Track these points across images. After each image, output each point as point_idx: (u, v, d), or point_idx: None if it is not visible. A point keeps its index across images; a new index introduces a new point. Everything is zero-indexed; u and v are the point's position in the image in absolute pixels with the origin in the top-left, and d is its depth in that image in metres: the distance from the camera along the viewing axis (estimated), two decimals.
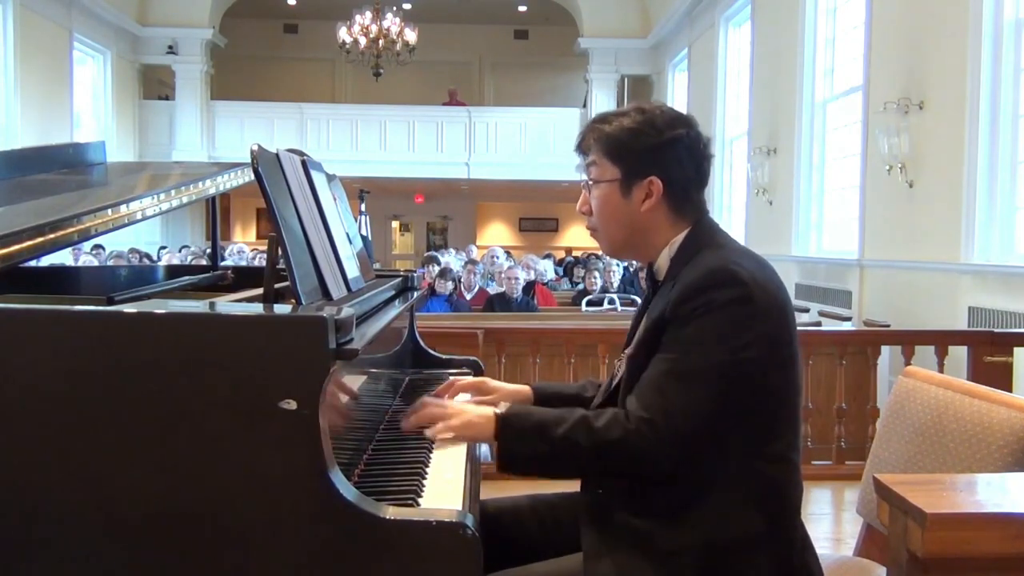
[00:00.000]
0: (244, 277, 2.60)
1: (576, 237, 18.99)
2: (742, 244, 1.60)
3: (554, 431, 1.45)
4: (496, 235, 19.13)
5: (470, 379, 1.96)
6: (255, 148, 1.57)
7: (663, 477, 1.45)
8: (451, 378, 2.02)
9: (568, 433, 1.44)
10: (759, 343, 1.43)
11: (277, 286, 1.66)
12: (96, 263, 8.65)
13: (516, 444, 1.48)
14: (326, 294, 1.67)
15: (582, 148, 1.64)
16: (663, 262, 1.60)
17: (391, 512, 1.27)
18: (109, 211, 1.67)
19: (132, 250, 10.69)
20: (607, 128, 1.59)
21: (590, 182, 1.62)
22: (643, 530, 1.47)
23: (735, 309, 1.43)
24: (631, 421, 1.42)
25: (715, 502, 1.45)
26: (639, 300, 1.83)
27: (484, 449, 1.99)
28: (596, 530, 1.52)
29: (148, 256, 10.82)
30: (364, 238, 2.85)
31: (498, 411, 1.52)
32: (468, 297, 7.46)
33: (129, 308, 1.38)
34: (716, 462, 1.45)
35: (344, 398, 1.55)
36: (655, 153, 1.56)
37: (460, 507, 1.37)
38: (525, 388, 1.87)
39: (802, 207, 8.19)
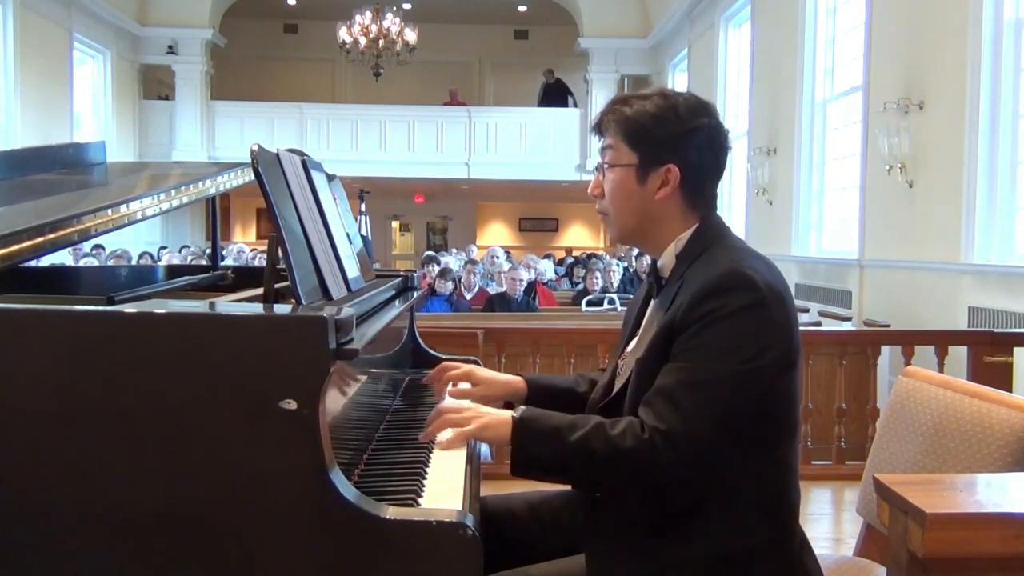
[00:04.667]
0: (244, 277, 2.60)
1: (576, 237, 19.00)
2: (747, 244, 1.58)
3: (569, 435, 1.42)
4: (496, 235, 19.12)
5: (461, 368, 1.91)
6: (255, 148, 1.57)
7: (676, 488, 1.43)
8: (444, 362, 2.00)
9: (583, 438, 1.42)
10: (771, 351, 1.41)
11: (277, 286, 1.66)
12: (96, 263, 8.65)
13: (530, 446, 1.45)
14: (326, 294, 1.67)
15: (599, 129, 1.59)
16: (668, 259, 1.57)
17: (391, 512, 1.27)
18: (109, 211, 1.67)
19: (144, 254, 10.75)
20: (628, 111, 1.54)
21: (605, 165, 1.59)
22: (649, 541, 1.46)
23: (748, 315, 1.40)
24: (645, 431, 1.39)
25: (722, 513, 1.44)
26: None
27: (484, 449, 1.99)
28: (600, 539, 1.51)
29: (150, 255, 10.82)
30: (364, 238, 2.85)
31: (515, 414, 1.49)
32: (468, 297, 7.46)
33: (129, 308, 1.38)
34: (724, 472, 1.43)
35: (344, 398, 1.55)
36: (675, 141, 1.52)
37: (460, 507, 1.36)
38: (518, 379, 1.84)
39: (802, 207, 8.19)
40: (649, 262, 1.65)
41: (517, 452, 1.46)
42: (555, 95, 15.65)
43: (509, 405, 1.76)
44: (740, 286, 1.42)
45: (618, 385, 1.58)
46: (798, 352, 1.48)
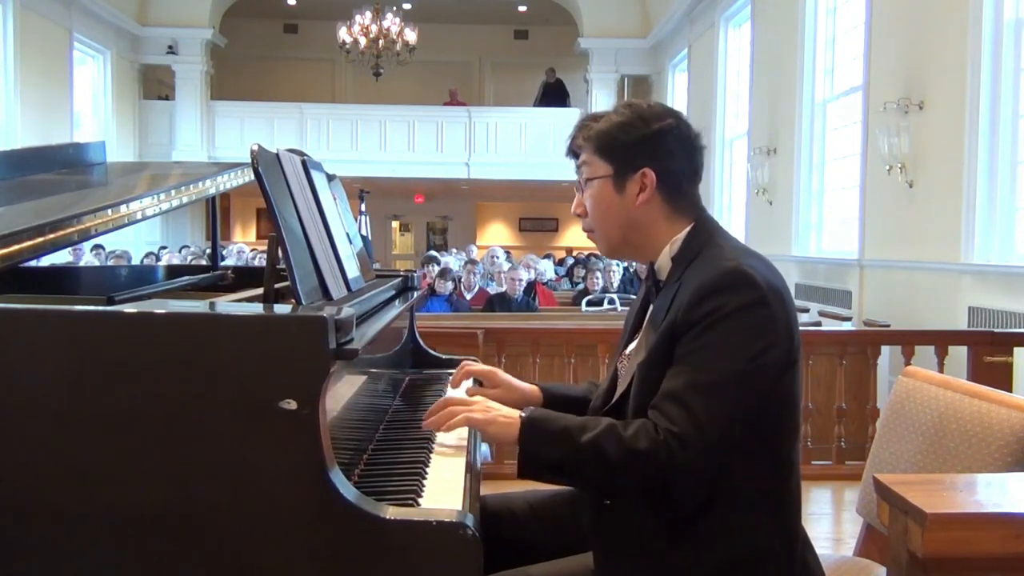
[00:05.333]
0: (244, 277, 2.60)
1: (576, 237, 18.97)
2: (743, 243, 1.58)
3: (580, 436, 1.41)
4: (496, 235, 19.13)
5: (483, 367, 1.90)
6: (255, 148, 1.57)
7: (686, 491, 1.41)
8: (464, 363, 1.99)
9: (595, 440, 1.40)
10: (774, 348, 1.41)
11: (277, 286, 1.66)
12: (96, 263, 8.66)
13: (539, 448, 1.43)
14: (326, 294, 1.67)
15: (572, 149, 1.61)
16: (664, 261, 1.57)
17: (391, 512, 1.27)
18: (109, 211, 1.67)
19: (148, 255, 10.79)
20: (596, 125, 1.57)
21: (582, 182, 1.60)
22: (657, 545, 1.45)
23: (750, 314, 1.40)
24: (660, 433, 1.38)
25: (730, 515, 1.44)
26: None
27: (484, 449, 1.99)
28: (607, 544, 1.50)
29: (154, 255, 10.84)
30: (364, 238, 2.85)
31: (523, 414, 1.48)
32: (468, 297, 7.46)
33: (129, 308, 1.38)
34: (732, 474, 1.42)
35: (344, 398, 1.55)
36: (646, 144, 1.54)
37: (460, 507, 1.36)
38: (534, 388, 1.82)
39: (802, 207, 8.19)
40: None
41: (525, 453, 1.44)
42: (554, 95, 15.70)
43: None
44: (740, 284, 1.41)
45: (620, 389, 1.56)
46: (799, 350, 1.48)
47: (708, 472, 1.39)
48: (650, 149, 1.54)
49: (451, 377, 2.10)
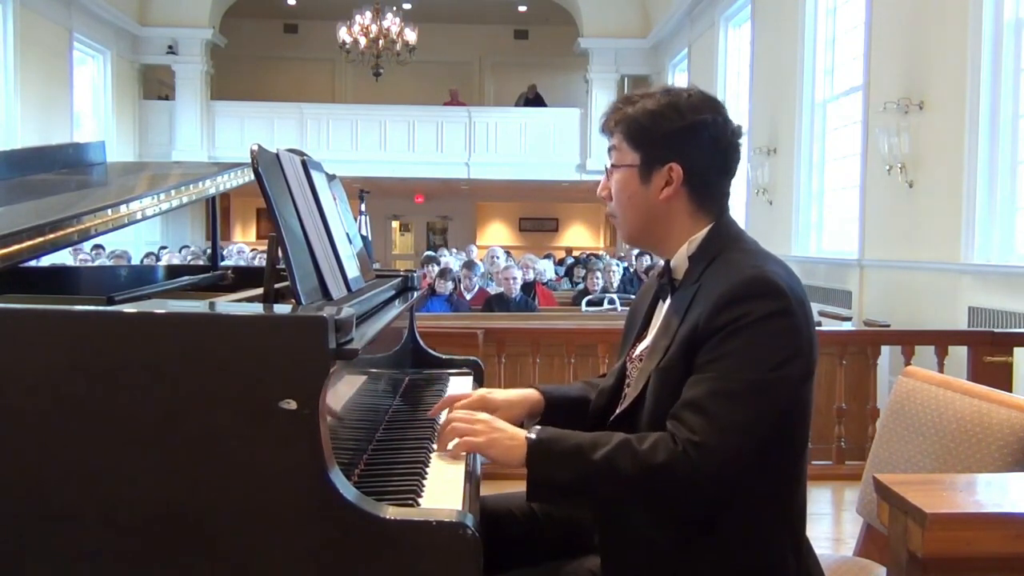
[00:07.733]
0: (244, 277, 2.60)
1: (576, 237, 18.99)
2: (761, 246, 1.53)
3: (591, 454, 1.35)
4: (496, 235, 19.12)
5: (470, 396, 1.72)
6: (255, 148, 1.56)
7: (711, 503, 1.39)
8: (448, 395, 1.85)
9: (608, 457, 1.35)
10: (797, 358, 1.38)
11: (277, 286, 1.66)
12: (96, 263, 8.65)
13: (549, 470, 1.38)
14: (326, 294, 1.67)
15: (605, 129, 1.56)
16: (680, 261, 1.53)
17: (391, 512, 1.27)
18: (109, 211, 1.67)
19: (148, 255, 10.82)
20: (630, 110, 1.52)
21: (610, 166, 1.56)
22: (669, 555, 1.44)
23: (775, 322, 1.37)
24: (678, 444, 1.34)
25: (743, 524, 1.42)
26: None
27: None
28: (617, 552, 1.49)
29: (155, 255, 10.86)
30: (364, 238, 2.85)
31: (530, 436, 1.41)
32: (468, 297, 7.46)
33: (129, 308, 1.37)
34: (744, 482, 1.38)
35: (344, 398, 1.55)
36: (676, 138, 1.48)
37: (460, 507, 1.36)
38: (532, 393, 1.73)
39: (802, 207, 8.20)
40: (650, 262, 1.63)
41: (535, 477, 1.39)
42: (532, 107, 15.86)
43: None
44: (765, 293, 1.38)
45: (632, 394, 1.52)
46: (816, 361, 1.45)
47: (729, 481, 1.36)
48: (681, 143, 1.49)
49: (448, 383, 2.08)
